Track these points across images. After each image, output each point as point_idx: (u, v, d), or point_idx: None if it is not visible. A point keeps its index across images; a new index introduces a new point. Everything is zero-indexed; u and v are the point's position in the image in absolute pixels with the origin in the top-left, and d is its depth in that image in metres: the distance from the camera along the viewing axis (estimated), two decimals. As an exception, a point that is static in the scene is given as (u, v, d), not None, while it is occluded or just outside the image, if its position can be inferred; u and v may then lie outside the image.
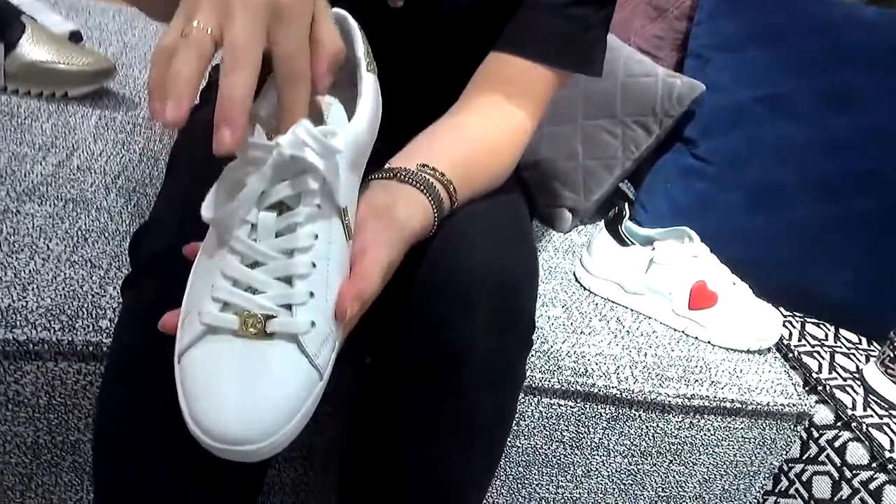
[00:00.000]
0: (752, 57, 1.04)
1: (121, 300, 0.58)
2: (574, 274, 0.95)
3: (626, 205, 0.96)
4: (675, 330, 0.90)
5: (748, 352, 0.91)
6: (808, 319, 1.04)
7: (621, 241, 0.92)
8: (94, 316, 0.64)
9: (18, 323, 0.62)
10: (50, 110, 0.93)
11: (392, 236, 0.48)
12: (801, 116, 1.00)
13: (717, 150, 1.03)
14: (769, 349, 0.94)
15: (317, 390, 0.40)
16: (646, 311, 0.91)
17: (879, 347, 1.00)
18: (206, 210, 0.40)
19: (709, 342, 0.90)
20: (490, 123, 0.65)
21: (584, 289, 0.93)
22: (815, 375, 0.93)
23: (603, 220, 0.98)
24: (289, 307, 0.39)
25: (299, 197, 0.40)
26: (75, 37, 1.08)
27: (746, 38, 1.04)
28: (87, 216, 0.75)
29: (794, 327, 1.02)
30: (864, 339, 1.05)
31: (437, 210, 0.54)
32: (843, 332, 1.05)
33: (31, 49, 0.93)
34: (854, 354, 1.00)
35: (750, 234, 1.01)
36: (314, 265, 0.40)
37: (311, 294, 0.39)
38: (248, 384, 0.37)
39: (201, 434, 0.36)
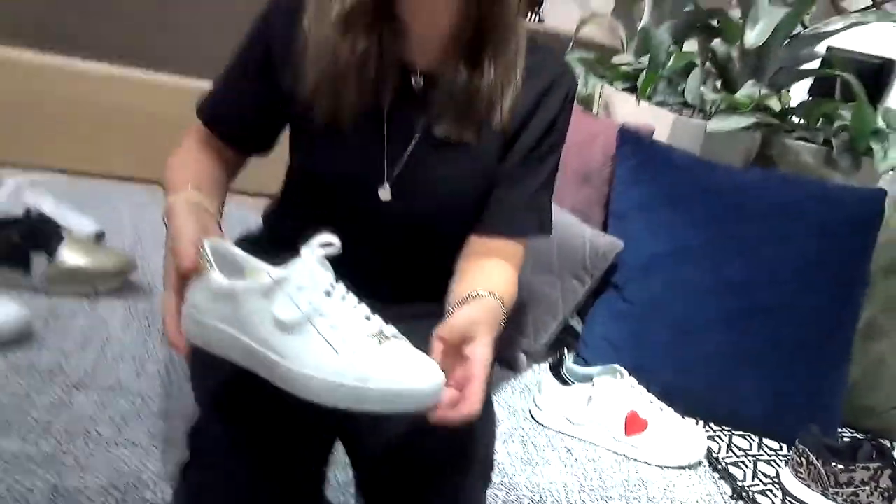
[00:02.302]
0: (661, 216, 1.27)
1: (160, 475, 0.75)
2: (529, 411, 1.13)
3: (566, 350, 1.15)
4: (615, 454, 1.08)
5: (680, 468, 1.08)
6: (735, 432, 1.22)
7: (564, 382, 1.11)
8: (139, 489, 0.81)
9: (81, 502, 0.78)
10: (84, 307, 1.12)
11: (486, 355, 0.71)
12: (701, 264, 1.22)
13: (639, 295, 1.24)
14: (699, 463, 1.11)
15: None
16: (590, 438, 1.08)
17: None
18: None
19: (645, 462, 1.07)
20: (493, 272, 0.87)
21: (538, 423, 1.11)
22: (740, 484, 1.09)
23: (549, 366, 1.17)
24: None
25: None
26: (99, 236, 1.29)
27: (656, 201, 1.28)
28: (125, 401, 0.93)
29: (722, 440, 1.19)
30: (784, 446, 1.22)
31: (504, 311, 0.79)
32: (766, 440, 1.22)
33: (68, 256, 1.13)
34: (774, 461, 1.17)
35: (675, 363, 1.21)
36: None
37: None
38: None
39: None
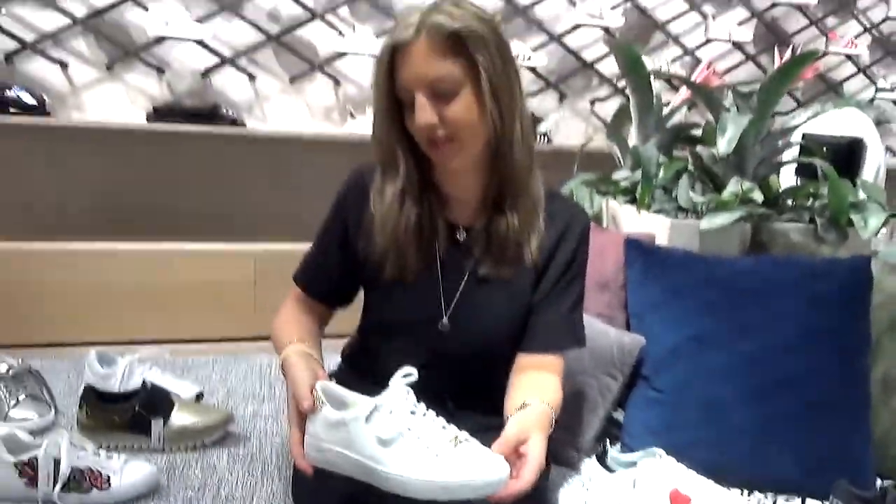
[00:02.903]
0: (672, 310, 1.44)
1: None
2: (585, 501, 1.27)
3: (608, 441, 1.30)
4: (666, 529, 1.20)
5: (727, 535, 1.20)
6: (779, 497, 1.33)
7: (609, 470, 1.26)
8: None
9: None
10: (195, 457, 1.33)
11: (537, 449, 0.93)
12: (718, 347, 1.38)
13: (666, 382, 1.40)
14: (746, 529, 1.22)
15: None
16: (642, 518, 1.22)
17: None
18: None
19: (694, 534, 1.19)
20: (540, 383, 1.09)
21: (594, 510, 1.25)
22: (787, 542, 1.20)
23: (595, 457, 1.32)
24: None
25: None
26: (199, 396, 1.52)
27: (665, 297, 1.46)
28: (243, 533, 1.12)
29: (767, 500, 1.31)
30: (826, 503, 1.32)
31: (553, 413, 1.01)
32: (809, 500, 1.33)
33: (179, 418, 1.36)
34: (819, 518, 1.28)
35: (709, 440, 1.34)
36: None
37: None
38: None
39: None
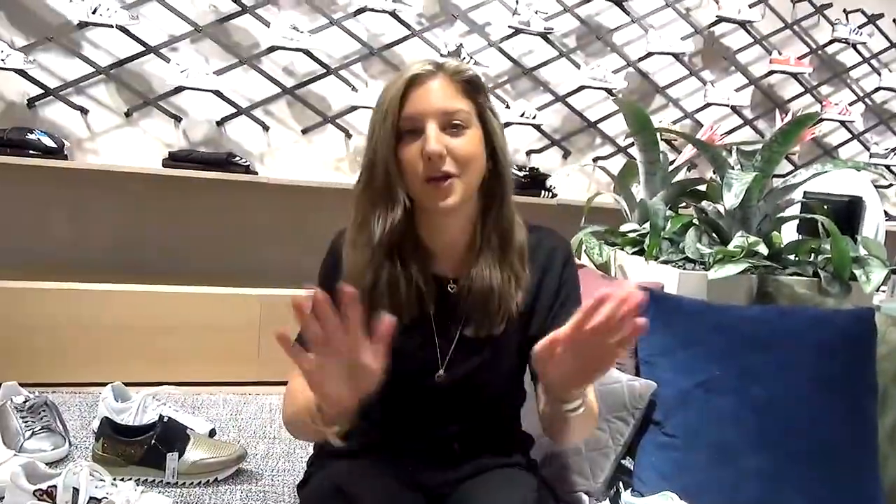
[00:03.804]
0: (681, 357, 1.47)
1: None
2: (597, 543, 1.27)
3: (621, 484, 1.31)
4: (681, 573, 1.20)
5: (741, 581, 1.20)
6: (790, 544, 1.34)
7: (623, 512, 1.26)
8: None
9: None
10: (208, 493, 1.33)
11: None
12: (728, 392, 1.41)
13: (677, 426, 1.42)
14: (759, 575, 1.22)
15: None
16: (656, 562, 1.22)
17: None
18: None
19: (708, 578, 1.20)
20: None
21: (607, 554, 1.25)
22: (800, 591, 1.20)
23: (608, 499, 1.33)
24: None
25: None
26: (212, 433, 1.53)
27: (674, 344, 1.49)
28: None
29: (778, 553, 1.31)
30: (838, 553, 1.32)
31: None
32: (820, 549, 1.33)
33: (193, 453, 1.37)
34: (830, 567, 1.28)
35: (720, 484, 1.35)
36: None
37: None
38: None
39: None
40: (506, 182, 1.07)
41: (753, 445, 1.37)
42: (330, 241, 1.15)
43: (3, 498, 1.18)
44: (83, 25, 2.71)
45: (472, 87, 1.04)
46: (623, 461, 1.54)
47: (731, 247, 1.65)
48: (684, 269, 1.67)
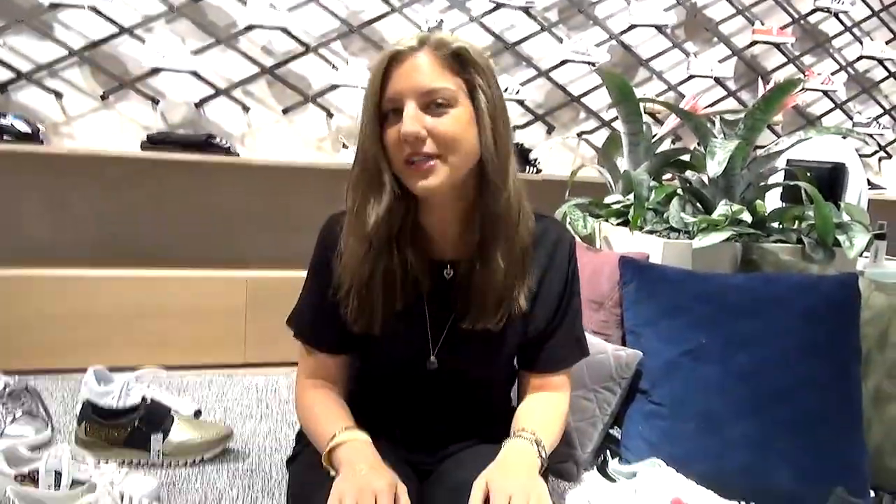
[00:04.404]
0: (668, 326, 1.47)
1: None
2: (585, 511, 1.28)
3: (608, 453, 1.32)
4: (669, 539, 1.21)
5: (728, 544, 1.21)
6: (776, 508, 1.35)
7: (611, 480, 1.27)
8: None
9: None
10: (194, 473, 1.32)
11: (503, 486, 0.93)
12: (713, 360, 1.41)
13: (664, 395, 1.42)
14: (745, 537, 1.23)
15: None
16: (644, 528, 1.22)
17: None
18: None
19: (696, 543, 1.20)
20: (549, 401, 1.14)
21: (596, 521, 1.25)
22: (787, 552, 1.21)
23: (595, 467, 1.33)
24: None
25: None
26: (197, 414, 1.51)
27: (659, 313, 1.49)
28: (246, 545, 1.11)
29: (764, 516, 1.32)
30: (824, 515, 1.33)
31: (541, 452, 1.02)
32: (805, 512, 1.34)
33: (178, 433, 1.35)
34: (816, 528, 1.29)
35: (707, 451, 1.36)
36: None
37: None
38: None
39: None
40: (501, 164, 1.00)
41: (739, 413, 1.37)
42: (321, 227, 1.12)
43: (-16, 483, 1.16)
44: (54, 7, 2.65)
45: (460, 62, 0.98)
46: (611, 431, 1.54)
47: (715, 215, 1.65)
48: (669, 238, 1.66)
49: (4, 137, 2.54)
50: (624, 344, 1.53)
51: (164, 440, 1.33)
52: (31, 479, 1.13)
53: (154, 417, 1.34)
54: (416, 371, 1.09)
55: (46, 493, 1.08)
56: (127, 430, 1.33)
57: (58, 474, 1.12)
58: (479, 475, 0.95)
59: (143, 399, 1.37)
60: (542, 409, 1.13)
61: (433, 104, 0.97)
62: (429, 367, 1.09)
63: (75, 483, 1.12)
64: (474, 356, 1.10)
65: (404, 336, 1.07)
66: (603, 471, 1.29)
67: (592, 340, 1.50)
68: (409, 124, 0.95)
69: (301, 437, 1.20)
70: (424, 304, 1.06)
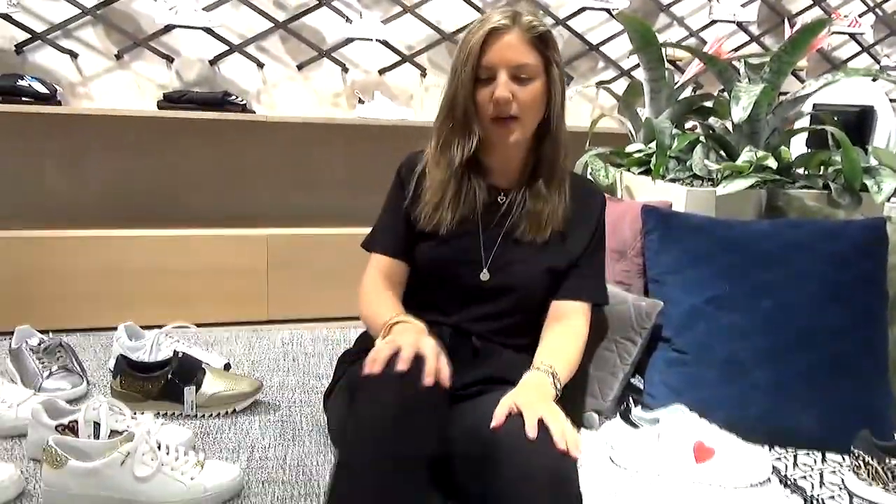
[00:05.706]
0: (691, 274, 1.47)
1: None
2: (609, 457, 1.30)
3: (631, 399, 1.33)
4: (690, 482, 1.23)
5: (751, 486, 1.23)
6: (799, 452, 1.36)
7: (633, 426, 1.28)
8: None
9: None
10: (227, 423, 1.36)
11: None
12: (737, 307, 1.41)
13: (687, 343, 1.43)
14: (768, 480, 1.25)
15: None
16: (665, 471, 1.24)
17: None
18: None
19: (719, 485, 1.22)
20: (568, 334, 1.26)
21: (617, 466, 1.27)
22: (809, 494, 1.23)
23: (618, 414, 1.35)
24: None
25: None
26: (227, 367, 1.54)
27: (683, 262, 1.48)
28: (278, 488, 1.14)
29: (787, 460, 1.33)
30: (846, 457, 1.34)
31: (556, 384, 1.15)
32: (829, 455, 1.35)
33: (210, 386, 1.39)
34: (838, 470, 1.30)
35: (730, 398, 1.37)
36: None
37: None
38: None
39: None
40: (559, 125, 1.25)
41: (763, 359, 1.37)
42: (404, 159, 1.35)
43: (27, 435, 1.21)
44: (65, -36, 2.62)
45: (542, 42, 1.21)
46: (632, 380, 1.56)
47: (739, 162, 1.63)
48: (692, 186, 1.65)
49: (23, 99, 2.54)
50: (646, 293, 1.53)
51: (196, 392, 1.37)
52: (71, 429, 1.17)
53: (186, 371, 1.37)
54: (470, 282, 1.26)
55: (87, 443, 1.12)
56: (161, 383, 1.36)
57: (96, 425, 1.16)
58: (505, 397, 1.08)
59: (175, 353, 1.40)
60: (560, 344, 1.25)
61: (519, 76, 1.19)
62: (481, 279, 1.25)
63: (113, 433, 1.16)
64: (522, 267, 1.27)
65: (459, 248, 1.26)
66: (626, 417, 1.31)
67: (613, 291, 1.50)
68: (502, 90, 1.18)
69: (337, 372, 1.32)
70: (479, 220, 1.27)
